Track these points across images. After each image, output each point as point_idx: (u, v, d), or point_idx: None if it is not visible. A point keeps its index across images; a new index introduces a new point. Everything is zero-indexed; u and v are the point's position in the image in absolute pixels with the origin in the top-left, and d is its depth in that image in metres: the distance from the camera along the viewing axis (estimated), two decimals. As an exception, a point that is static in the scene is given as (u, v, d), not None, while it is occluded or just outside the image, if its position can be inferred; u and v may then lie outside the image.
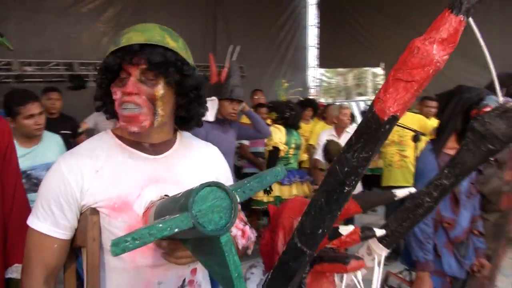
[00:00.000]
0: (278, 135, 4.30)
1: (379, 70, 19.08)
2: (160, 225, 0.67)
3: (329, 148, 4.14)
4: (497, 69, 1.33)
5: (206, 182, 0.74)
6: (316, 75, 13.04)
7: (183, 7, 9.11)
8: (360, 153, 0.83)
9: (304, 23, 12.39)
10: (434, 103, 4.52)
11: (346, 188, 0.86)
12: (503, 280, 3.58)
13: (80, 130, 4.41)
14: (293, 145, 4.41)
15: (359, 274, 1.19)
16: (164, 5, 8.86)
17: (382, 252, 1.34)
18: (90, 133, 5.23)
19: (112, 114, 1.17)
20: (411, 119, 4.09)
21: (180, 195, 0.81)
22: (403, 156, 4.12)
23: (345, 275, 1.19)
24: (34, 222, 1.10)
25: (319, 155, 4.57)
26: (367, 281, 1.25)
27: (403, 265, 2.37)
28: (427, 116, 4.66)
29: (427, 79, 0.77)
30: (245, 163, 5.05)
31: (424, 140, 3.91)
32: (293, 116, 4.45)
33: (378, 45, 10.67)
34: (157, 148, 1.17)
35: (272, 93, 8.01)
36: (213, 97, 3.16)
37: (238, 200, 0.75)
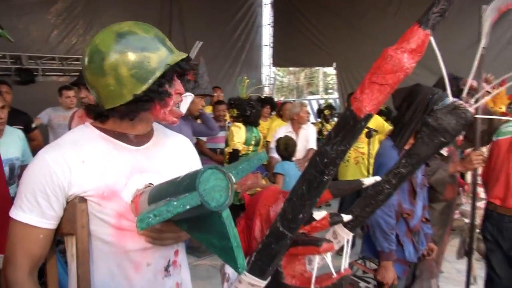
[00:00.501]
0: (239, 135, 4.40)
1: (330, 70, 19.62)
2: (175, 203, 0.76)
3: (282, 144, 4.24)
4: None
5: (207, 166, 0.84)
6: (270, 74, 13.26)
7: (138, 3, 8.97)
8: (339, 146, 0.95)
9: (259, 22, 12.56)
10: None
11: (325, 177, 0.98)
12: (446, 265, 3.91)
13: (33, 125, 4.29)
14: (253, 142, 4.53)
15: (329, 255, 1.32)
16: (119, 1, 8.72)
17: (347, 236, 1.48)
18: (43, 128, 5.11)
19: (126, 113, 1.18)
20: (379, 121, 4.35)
21: (179, 179, 0.90)
22: (360, 153, 4.32)
23: (316, 257, 1.31)
24: (19, 214, 1.13)
25: (273, 151, 4.68)
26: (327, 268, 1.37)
27: (360, 255, 2.51)
28: None
29: (398, 83, 0.90)
30: (204, 159, 5.13)
31: (376, 136, 4.17)
32: (254, 113, 4.57)
33: (330, 45, 11.01)
34: (140, 140, 1.24)
35: (227, 90, 8.11)
36: (188, 93, 3.22)
37: (234, 180, 0.86)
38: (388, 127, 4.36)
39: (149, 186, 1.15)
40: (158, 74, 1.12)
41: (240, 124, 4.50)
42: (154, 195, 0.99)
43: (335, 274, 1.27)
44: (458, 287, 3.28)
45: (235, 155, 4.30)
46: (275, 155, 4.63)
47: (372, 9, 9.99)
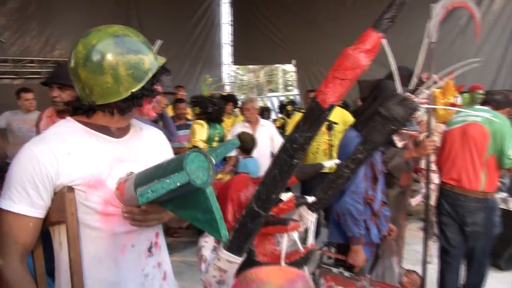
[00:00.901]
0: (200, 132, 4.48)
1: (289, 67, 19.95)
2: (168, 181, 0.89)
3: (241, 138, 4.28)
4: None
5: (192, 149, 0.97)
6: (230, 72, 13.37)
7: (93, 3, 8.79)
8: (306, 133, 1.09)
9: (218, 21, 12.63)
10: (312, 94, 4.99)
11: (295, 160, 1.13)
12: (406, 248, 4.17)
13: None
14: (216, 138, 4.62)
15: (296, 233, 1.47)
16: (73, 1, 8.54)
17: (311, 217, 1.63)
18: (2, 132, 5.00)
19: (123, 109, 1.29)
20: (335, 112, 4.51)
21: (165, 163, 1.03)
22: (330, 145, 4.43)
23: (285, 236, 1.46)
24: (9, 204, 1.20)
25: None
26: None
27: (324, 242, 2.64)
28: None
29: (356, 78, 1.05)
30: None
31: (337, 128, 4.36)
32: (216, 110, 4.66)
33: (289, 43, 11.25)
34: (120, 132, 1.35)
35: (189, 89, 8.14)
36: None
37: (214, 162, 0.99)
38: (351, 119, 4.55)
39: (130, 174, 1.25)
40: (150, 74, 1.25)
41: (203, 122, 4.58)
42: (142, 179, 1.10)
43: (302, 249, 1.42)
44: (416, 265, 3.55)
45: None
46: (233, 153, 4.57)
47: (329, 8, 10.31)
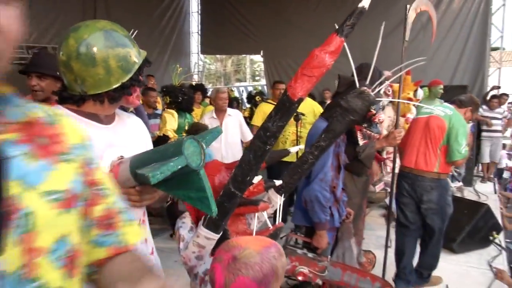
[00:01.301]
0: (171, 121, 4.57)
1: (257, 57, 20.09)
2: (171, 163, 1.02)
3: (193, 129, 4.33)
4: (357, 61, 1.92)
5: (188, 137, 1.10)
6: (198, 62, 13.37)
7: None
8: (278, 123, 1.25)
9: (186, 10, 12.58)
10: (282, 86, 5.22)
11: (268, 147, 1.28)
12: (368, 234, 4.45)
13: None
14: (186, 127, 4.71)
15: (265, 213, 1.64)
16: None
17: (279, 200, 1.79)
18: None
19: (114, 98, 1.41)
20: (305, 103, 4.71)
21: (162, 148, 1.16)
22: (299, 136, 4.61)
23: (256, 215, 1.62)
24: None
25: None
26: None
27: (292, 228, 2.81)
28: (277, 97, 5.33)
29: (321, 75, 1.21)
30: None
31: (307, 120, 4.56)
32: (186, 100, 4.76)
33: (257, 34, 11.35)
34: (108, 119, 1.47)
35: (157, 78, 8.14)
36: None
37: (204, 147, 1.13)
38: (320, 110, 4.76)
39: (121, 158, 1.38)
40: (137, 66, 1.39)
41: (173, 111, 4.66)
42: (138, 162, 1.22)
43: (271, 227, 1.59)
44: (377, 250, 3.82)
45: (162, 141, 4.43)
46: None
47: (296, 0, 10.49)
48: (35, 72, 2.28)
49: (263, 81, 13.94)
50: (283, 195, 1.76)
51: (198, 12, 12.76)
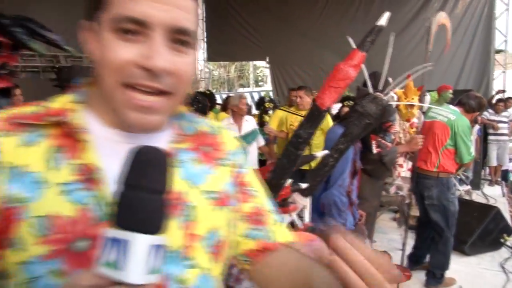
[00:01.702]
0: None
1: (260, 63, 20.17)
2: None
3: None
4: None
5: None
6: (204, 68, 13.50)
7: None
8: (309, 130, 1.37)
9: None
10: (295, 93, 5.35)
11: (300, 152, 1.41)
12: (380, 237, 4.55)
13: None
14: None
15: (294, 214, 1.76)
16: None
17: (304, 202, 1.92)
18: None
19: None
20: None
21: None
22: (310, 144, 4.74)
23: (287, 216, 1.75)
24: None
25: None
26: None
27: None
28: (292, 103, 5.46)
29: (346, 86, 1.34)
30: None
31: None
32: (201, 108, 4.88)
33: (263, 40, 11.43)
34: None
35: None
36: None
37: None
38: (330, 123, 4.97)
39: None
40: None
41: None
42: None
43: (302, 226, 1.71)
44: (391, 252, 3.93)
45: None
46: None
47: (301, 7, 10.61)
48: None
49: (266, 87, 14.03)
50: (307, 196, 1.89)
51: (203, 19, 12.89)
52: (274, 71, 11.68)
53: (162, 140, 0.75)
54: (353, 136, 1.93)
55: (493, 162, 7.99)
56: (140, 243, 0.50)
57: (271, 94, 12.50)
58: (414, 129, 4.26)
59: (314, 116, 1.36)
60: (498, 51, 9.80)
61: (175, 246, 0.69)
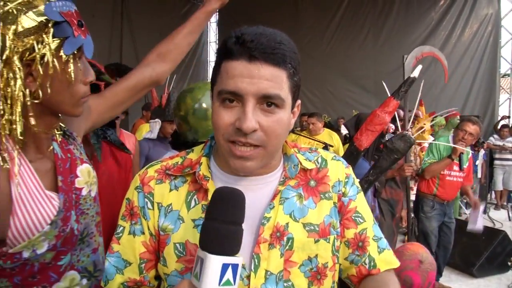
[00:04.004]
0: None
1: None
2: None
3: None
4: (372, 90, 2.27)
5: None
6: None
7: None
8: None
9: (204, 40, 13.12)
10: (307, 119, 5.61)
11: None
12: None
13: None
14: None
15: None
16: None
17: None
18: None
19: None
20: (323, 134, 5.13)
21: None
22: None
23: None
24: None
25: None
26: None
27: None
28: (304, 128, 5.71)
29: (382, 130, 1.56)
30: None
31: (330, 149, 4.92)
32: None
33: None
34: None
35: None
36: (157, 119, 3.77)
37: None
38: (336, 137, 5.22)
39: None
40: None
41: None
42: None
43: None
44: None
45: None
46: None
47: (312, 33, 10.94)
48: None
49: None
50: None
51: (216, 42, 13.27)
52: (284, 94, 11.88)
53: (270, 182, 0.90)
54: (382, 169, 2.13)
55: (499, 186, 8.14)
56: (213, 262, 0.68)
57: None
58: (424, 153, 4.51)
59: (353, 156, 1.59)
60: (504, 75, 10.04)
61: (275, 270, 0.85)
